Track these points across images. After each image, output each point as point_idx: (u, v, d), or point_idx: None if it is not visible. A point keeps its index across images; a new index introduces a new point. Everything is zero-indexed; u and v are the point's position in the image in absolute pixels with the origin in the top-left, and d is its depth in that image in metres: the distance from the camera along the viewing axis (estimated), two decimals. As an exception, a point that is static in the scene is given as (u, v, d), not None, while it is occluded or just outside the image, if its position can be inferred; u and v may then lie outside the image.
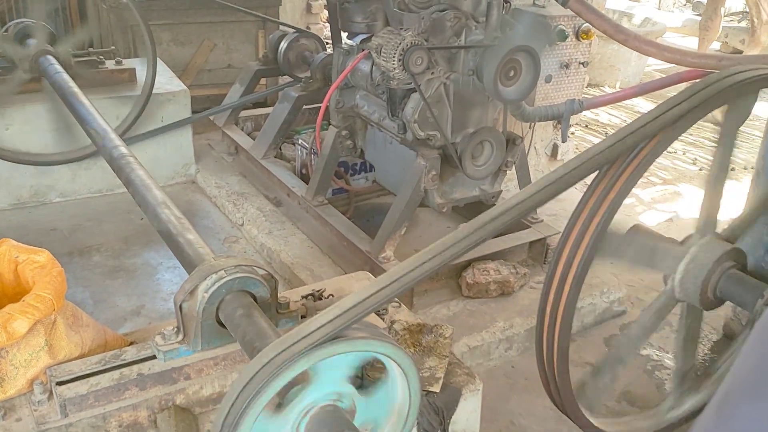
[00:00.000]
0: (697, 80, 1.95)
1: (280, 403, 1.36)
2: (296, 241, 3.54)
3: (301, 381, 1.35)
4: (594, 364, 2.28)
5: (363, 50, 3.13)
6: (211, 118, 4.45)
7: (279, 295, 1.86)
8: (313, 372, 1.36)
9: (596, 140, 5.79)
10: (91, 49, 4.04)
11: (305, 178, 3.83)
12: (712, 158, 1.93)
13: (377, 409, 1.51)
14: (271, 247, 3.51)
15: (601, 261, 1.82)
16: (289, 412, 1.37)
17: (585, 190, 1.83)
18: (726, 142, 1.86)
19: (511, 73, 2.82)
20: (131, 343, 1.90)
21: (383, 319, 2.11)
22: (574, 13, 2.82)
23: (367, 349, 1.38)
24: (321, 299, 2.12)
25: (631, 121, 1.56)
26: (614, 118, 6.31)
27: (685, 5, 10.91)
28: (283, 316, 1.84)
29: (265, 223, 3.69)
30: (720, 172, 1.94)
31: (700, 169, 5.31)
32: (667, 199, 4.73)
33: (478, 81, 2.85)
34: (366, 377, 1.55)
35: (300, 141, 3.96)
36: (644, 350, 3.09)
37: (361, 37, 3.21)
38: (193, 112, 4.23)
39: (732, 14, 8.08)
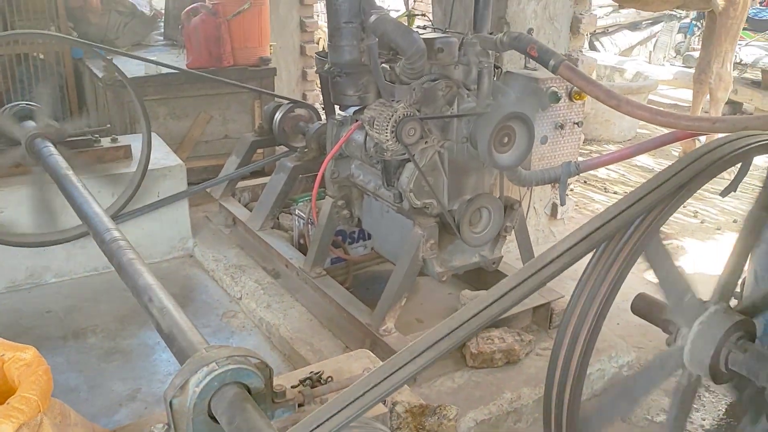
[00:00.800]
0: (694, 140, 1.93)
1: None
2: (295, 314, 3.48)
3: None
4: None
5: (356, 121, 3.14)
6: (208, 190, 4.44)
7: (275, 381, 1.80)
8: None
9: (596, 195, 5.77)
10: (87, 128, 4.05)
11: (303, 249, 3.79)
12: (745, 218, 1.87)
13: None
14: (270, 321, 3.44)
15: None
16: None
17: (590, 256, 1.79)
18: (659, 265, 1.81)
19: (506, 140, 2.81)
20: (122, 440, 1.83)
21: (384, 402, 2.03)
22: (565, 78, 2.82)
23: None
24: (320, 383, 2.05)
25: (629, 175, 1.52)
26: (612, 173, 6.30)
27: (675, 58, 11.07)
28: (279, 406, 1.78)
29: (264, 296, 3.63)
30: (749, 240, 1.90)
31: (702, 222, 5.27)
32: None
33: (472, 148, 2.84)
34: None
35: (297, 211, 3.94)
36: (657, 417, 2.99)
37: (353, 108, 3.22)
38: (191, 183, 4.22)
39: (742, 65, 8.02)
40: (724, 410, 3.06)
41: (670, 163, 1.66)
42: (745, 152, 1.60)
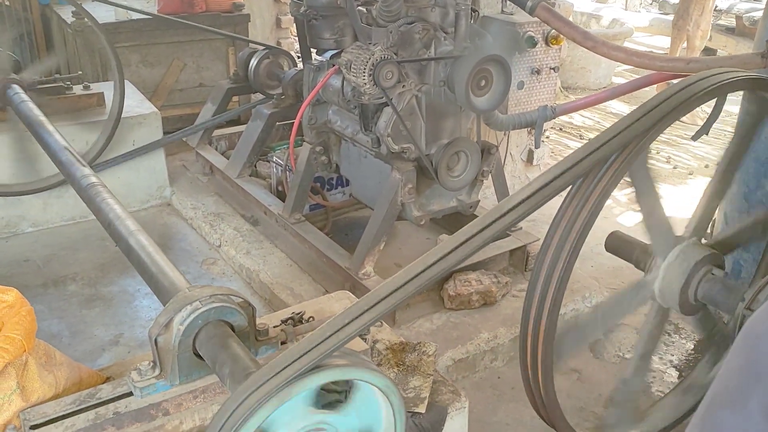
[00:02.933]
0: (670, 82, 1.96)
1: None
2: (275, 260, 3.50)
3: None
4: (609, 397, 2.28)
5: (333, 66, 3.11)
6: (184, 138, 4.40)
7: (258, 321, 1.83)
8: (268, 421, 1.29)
9: (571, 142, 5.82)
10: (57, 75, 3.98)
11: (281, 196, 3.80)
12: (636, 196, 1.92)
13: (366, 413, 1.45)
14: (250, 268, 3.47)
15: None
16: None
17: (564, 196, 1.82)
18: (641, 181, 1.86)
19: (483, 83, 2.81)
20: (107, 379, 1.86)
21: (365, 340, 2.08)
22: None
23: (348, 377, 1.35)
24: (301, 322, 2.08)
25: (604, 122, 1.55)
26: (588, 120, 6.34)
27: (651, 4, 11.04)
28: (262, 344, 1.81)
29: (243, 243, 3.65)
30: (723, 181, 1.95)
31: (674, 168, 5.34)
32: (643, 199, 4.75)
33: (449, 92, 2.84)
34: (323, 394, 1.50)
35: (275, 158, 3.93)
36: (628, 353, 3.09)
37: (330, 52, 3.19)
38: (166, 133, 4.18)
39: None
40: (692, 347, 3.17)
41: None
42: (720, 87, 1.63)
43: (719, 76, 1.68)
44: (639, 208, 1.88)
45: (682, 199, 4.69)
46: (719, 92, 1.69)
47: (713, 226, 3.09)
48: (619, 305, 2.03)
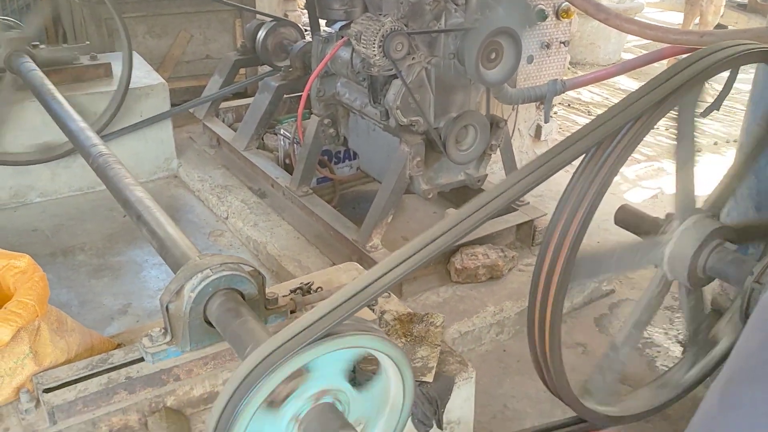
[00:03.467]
0: (680, 57, 1.94)
1: (273, 401, 1.34)
2: (282, 232, 3.51)
3: (297, 377, 1.33)
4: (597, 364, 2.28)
5: (342, 37, 3.09)
6: (191, 110, 4.39)
7: (267, 290, 1.84)
8: (309, 369, 1.34)
9: (579, 119, 5.79)
10: (65, 45, 3.96)
11: (289, 169, 3.80)
12: (676, 141, 1.91)
13: (372, 403, 1.49)
14: (257, 240, 3.48)
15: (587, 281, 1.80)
16: (285, 410, 1.35)
17: (573, 171, 1.82)
18: (685, 123, 1.85)
19: (493, 56, 2.79)
20: (118, 346, 1.88)
21: (373, 310, 2.09)
22: (553, -7, 2.79)
23: (357, 344, 1.36)
24: (310, 293, 2.09)
25: (613, 98, 1.54)
26: (596, 96, 6.30)
27: (662, -21, 10.89)
28: (271, 312, 1.82)
29: (250, 216, 3.66)
30: (690, 152, 1.94)
31: (683, 144, 5.31)
32: (651, 176, 4.73)
33: (459, 64, 2.82)
34: (360, 371, 1.54)
35: (282, 131, 3.92)
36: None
37: (339, 24, 3.17)
38: (173, 104, 4.17)
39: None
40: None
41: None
42: (736, 59, 1.62)
43: (734, 48, 1.66)
44: (675, 155, 1.87)
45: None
46: (734, 64, 1.68)
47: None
48: (631, 254, 2.01)
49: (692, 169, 1.90)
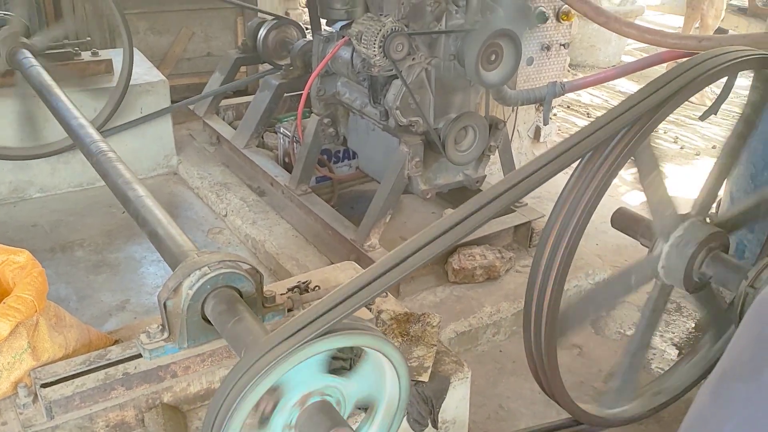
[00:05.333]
0: (679, 61, 1.95)
1: (262, 418, 1.35)
2: (281, 230, 3.52)
3: (273, 391, 1.32)
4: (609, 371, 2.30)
5: (343, 37, 3.10)
6: (192, 107, 4.40)
7: (264, 288, 1.85)
8: (278, 383, 1.31)
9: (578, 120, 5.80)
10: (66, 41, 3.97)
11: (288, 167, 3.81)
12: (723, 146, 1.92)
13: (368, 381, 1.48)
14: (256, 238, 3.49)
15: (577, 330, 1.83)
16: (275, 423, 1.36)
17: (570, 174, 1.83)
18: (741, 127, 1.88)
19: (493, 57, 2.80)
20: (116, 342, 1.89)
21: (370, 309, 2.10)
22: (554, -4, 2.81)
23: (355, 343, 1.37)
24: (307, 291, 2.11)
25: (612, 101, 1.56)
26: (595, 98, 6.31)
27: (663, -18, 10.90)
28: (269, 310, 1.83)
29: (249, 214, 3.67)
30: (729, 160, 1.96)
31: (681, 148, 5.33)
32: (649, 179, 4.74)
33: (459, 66, 2.84)
34: (341, 359, 1.53)
35: (282, 129, 3.93)
36: (629, 330, 3.11)
37: (340, 23, 3.18)
38: (173, 101, 4.18)
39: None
40: (693, 326, 3.20)
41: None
42: (732, 65, 1.63)
43: (731, 54, 1.67)
44: (642, 189, 1.89)
45: (689, 179, 4.69)
46: (731, 71, 1.69)
47: (719, 206, 3.09)
48: (623, 283, 2.04)
49: (664, 191, 1.91)
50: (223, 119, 4.50)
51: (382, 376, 1.50)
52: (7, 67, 3.43)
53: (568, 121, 5.77)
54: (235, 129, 4.25)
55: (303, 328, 1.29)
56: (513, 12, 3.14)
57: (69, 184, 3.93)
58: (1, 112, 3.63)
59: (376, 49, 2.71)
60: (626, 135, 1.64)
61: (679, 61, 2.03)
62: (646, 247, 2.02)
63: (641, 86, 1.68)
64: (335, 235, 3.27)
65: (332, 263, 3.20)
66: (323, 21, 3.34)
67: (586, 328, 3.12)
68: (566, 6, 3.32)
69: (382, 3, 2.84)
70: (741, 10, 7.91)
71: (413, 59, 2.82)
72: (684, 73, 1.63)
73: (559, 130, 5.37)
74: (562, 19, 3.47)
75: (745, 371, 0.95)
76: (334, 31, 3.26)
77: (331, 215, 3.37)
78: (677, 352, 3.04)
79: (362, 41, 2.74)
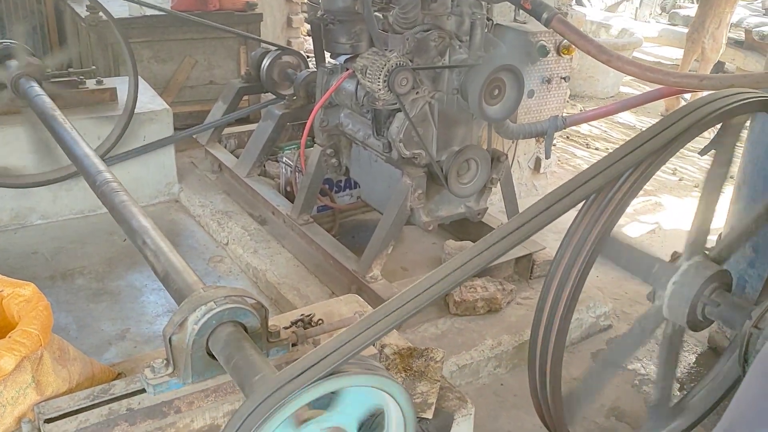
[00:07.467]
0: (678, 97, 1.98)
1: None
2: (282, 260, 3.52)
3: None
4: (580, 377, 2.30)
5: (347, 70, 3.14)
6: (194, 136, 4.42)
7: (269, 323, 1.85)
8: (337, 402, 1.37)
9: (577, 151, 5.83)
10: (71, 69, 4.00)
11: (290, 196, 3.82)
12: (705, 178, 1.95)
13: (351, 411, 1.49)
14: (257, 267, 3.49)
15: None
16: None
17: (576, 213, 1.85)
18: (722, 161, 1.89)
19: (496, 92, 2.84)
20: (119, 375, 1.88)
21: (374, 344, 2.10)
22: (556, 32, 2.85)
23: (361, 383, 1.37)
24: (311, 325, 2.10)
25: (611, 132, 1.58)
26: (595, 129, 6.36)
27: (660, 15, 11.05)
28: (273, 345, 1.83)
29: (250, 242, 3.67)
30: (714, 191, 1.97)
31: (680, 180, 5.37)
32: (648, 210, 4.77)
33: (462, 100, 2.87)
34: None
35: (284, 159, 3.95)
36: (631, 364, 3.11)
37: (345, 56, 3.22)
38: (176, 129, 4.20)
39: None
40: (694, 360, 3.19)
41: (652, 121, 1.71)
42: (729, 111, 1.65)
43: (733, 98, 1.70)
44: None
45: (687, 211, 4.72)
46: (732, 113, 1.71)
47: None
48: (632, 343, 2.05)
49: (646, 255, 1.96)
50: (226, 147, 4.52)
51: (388, 416, 1.50)
52: (14, 98, 3.46)
53: (567, 151, 5.81)
54: (237, 157, 4.27)
55: (309, 368, 1.29)
56: (515, 47, 3.19)
57: (71, 210, 3.93)
58: (8, 140, 3.64)
59: (380, 83, 2.73)
60: (628, 179, 1.66)
61: (680, 96, 2.06)
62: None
63: (639, 117, 1.71)
64: (337, 265, 3.28)
65: (334, 294, 3.21)
66: (327, 53, 3.38)
67: (586, 361, 3.11)
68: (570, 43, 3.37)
69: (387, 38, 2.88)
70: (738, 43, 8.02)
71: (417, 93, 2.86)
72: (687, 115, 1.65)
73: (559, 160, 5.40)
74: (563, 53, 3.52)
75: (753, 419, 0.95)
76: (338, 63, 3.30)
77: (332, 245, 3.37)
78: (678, 386, 3.03)
79: (367, 75, 2.77)
